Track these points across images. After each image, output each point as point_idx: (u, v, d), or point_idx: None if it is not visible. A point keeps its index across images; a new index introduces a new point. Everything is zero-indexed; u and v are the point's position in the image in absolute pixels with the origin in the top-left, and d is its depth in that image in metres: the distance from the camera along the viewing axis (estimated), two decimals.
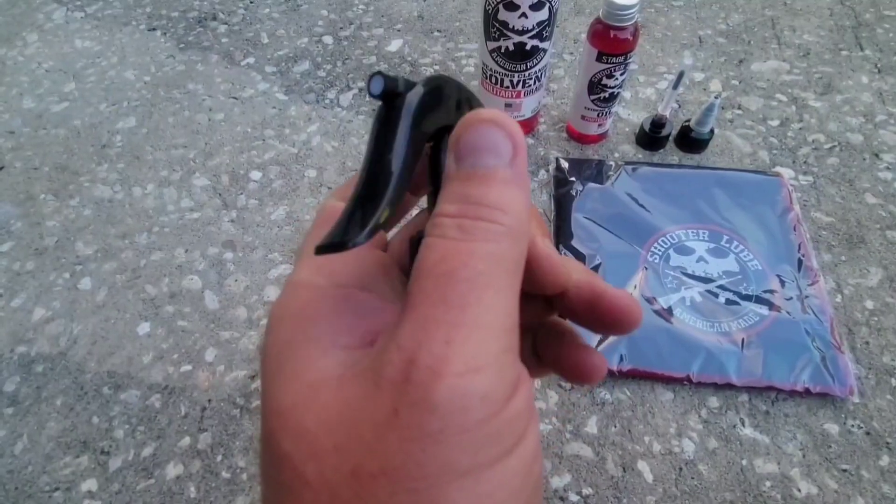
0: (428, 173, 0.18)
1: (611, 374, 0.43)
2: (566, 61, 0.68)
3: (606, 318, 0.17)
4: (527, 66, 0.51)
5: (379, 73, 0.15)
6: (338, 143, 0.61)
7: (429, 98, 0.16)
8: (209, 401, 0.43)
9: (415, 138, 0.16)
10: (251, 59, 0.70)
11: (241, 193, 0.57)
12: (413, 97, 0.16)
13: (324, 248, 0.14)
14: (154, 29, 0.76)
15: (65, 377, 0.45)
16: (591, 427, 0.41)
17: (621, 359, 0.43)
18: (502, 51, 0.50)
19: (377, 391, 0.13)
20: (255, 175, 0.58)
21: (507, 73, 0.52)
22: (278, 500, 0.14)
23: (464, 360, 0.13)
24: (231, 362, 0.45)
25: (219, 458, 0.41)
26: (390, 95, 0.15)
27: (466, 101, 0.18)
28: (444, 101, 0.17)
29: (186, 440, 0.42)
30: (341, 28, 0.74)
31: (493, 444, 0.13)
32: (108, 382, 0.45)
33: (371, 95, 0.15)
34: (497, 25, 0.48)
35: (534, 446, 0.14)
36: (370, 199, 0.15)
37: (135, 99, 0.67)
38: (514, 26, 0.47)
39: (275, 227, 0.54)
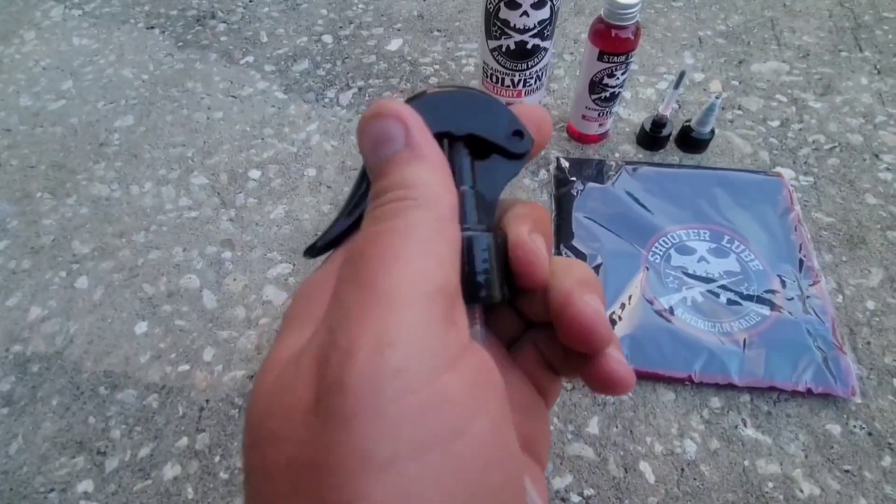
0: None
1: None
2: (566, 61, 0.68)
3: (568, 332, 0.16)
4: (528, 65, 0.51)
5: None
6: (337, 142, 0.60)
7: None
8: (207, 401, 0.43)
9: None
10: (250, 58, 0.70)
11: (240, 192, 0.56)
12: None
13: (305, 252, 0.17)
14: (152, 27, 0.75)
15: (61, 377, 0.45)
16: (593, 427, 0.41)
17: None
18: (503, 49, 0.50)
19: (302, 375, 0.13)
20: (254, 174, 0.58)
21: (507, 72, 0.52)
22: (246, 470, 0.14)
23: (374, 335, 0.12)
24: (229, 362, 0.45)
25: (217, 458, 0.40)
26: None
27: (467, 100, 0.19)
28: (436, 116, 0.17)
29: (184, 440, 0.41)
30: (341, 27, 0.74)
31: (418, 428, 0.11)
32: (105, 382, 0.44)
33: None
34: (498, 24, 0.48)
35: (484, 444, 0.12)
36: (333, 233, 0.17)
37: (133, 97, 0.66)
38: (515, 25, 0.47)
39: (274, 227, 0.53)
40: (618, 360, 0.17)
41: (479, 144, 0.19)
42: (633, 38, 0.48)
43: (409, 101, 0.18)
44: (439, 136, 0.18)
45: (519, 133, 0.19)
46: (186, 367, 0.45)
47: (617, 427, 0.41)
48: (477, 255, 0.16)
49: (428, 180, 0.15)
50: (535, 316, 0.19)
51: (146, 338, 0.46)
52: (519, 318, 0.20)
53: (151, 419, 0.42)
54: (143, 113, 0.64)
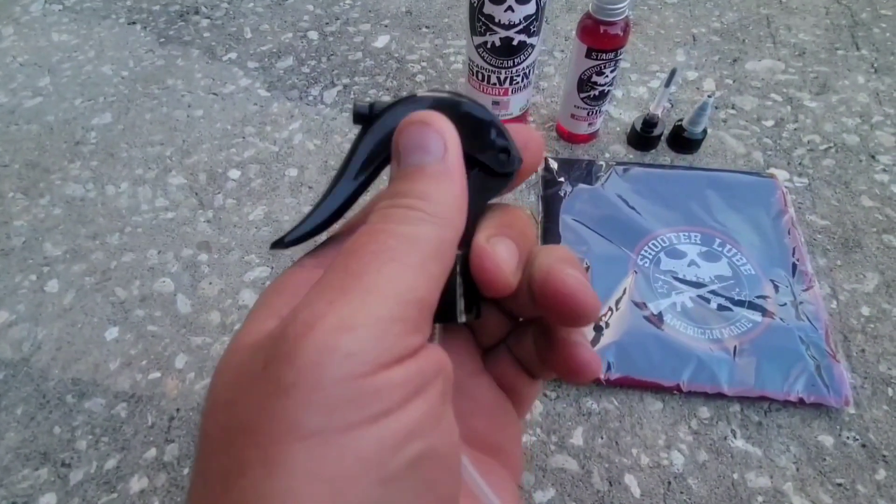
0: None
1: (598, 382, 0.41)
2: (556, 59, 0.66)
3: (553, 306, 0.17)
4: (514, 62, 0.49)
5: (356, 103, 0.17)
6: (320, 141, 0.59)
7: (388, 122, 0.17)
8: (178, 410, 0.41)
9: (365, 158, 0.17)
10: (233, 55, 0.68)
11: (219, 193, 0.55)
12: (377, 122, 0.17)
13: (272, 245, 0.17)
14: (134, 23, 0.73)
15: (27, 384, 0.43)
16: (577, 439, 0.39)
17: (609, 367, 0.41)
18: (488, 46, 0.48)
19: (262, 348, 0.13)
20: (234, 174, 0.56)
21: (493, 69, 0.50)
22: (199, 439, 0.14)
23: (339, 317, 0.12)
24: (202, 369, 0.43)
25: (185, 470, 0.39)
26: (361, 118, 0.17)
27: (452, 107, 0.18)
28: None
29: (152, 452, 0.40)
30: (327, 23, 0.72)
31: (352, 408, 0.12)
32: (73, 390, 0.43)
33: (354, 122, 0.18)
34: (483, 19, 0.46)
35: (410, 425, 0.13)
36: (305, 227, 0.18)
37: (111, 94, 0.64)
38: (500, 20, 0.46)
39: (252, 228, 0.52)
40: (583, 344, 0.18)
41: (465, 156, 0.18)
42: (622, 34, 0.47)
43: (385, 108, 0.17)
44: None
45: (506, 151, 0.18)
46: (157, 374, 0.43)
47: (602, 438, 0.39)
48: (452, 279, 0.16)
49: (448, 201, 0.16)
50: (520, 310, 0.20)
51: (117, 344, 0.45)
52: (504, 316, 0.21)
53: (119, 429, 0.41)
54: (122, 111, 0.63)
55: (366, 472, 0.12)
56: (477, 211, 0.18)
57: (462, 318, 0.17)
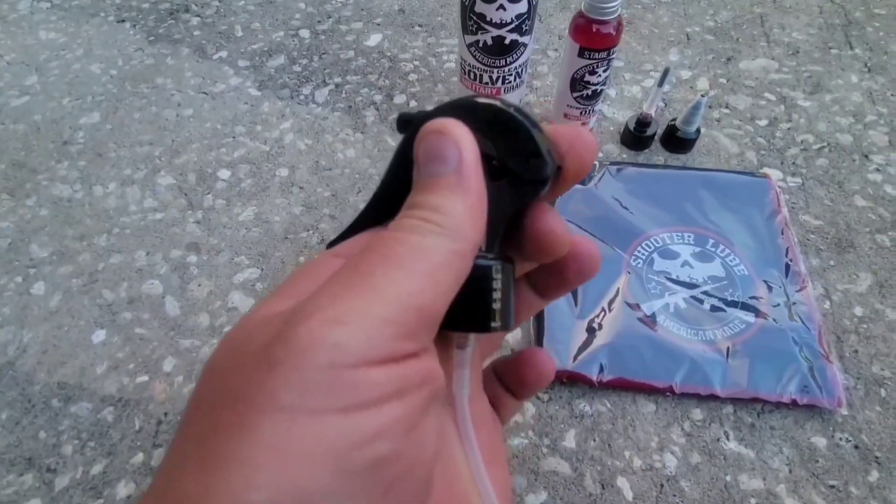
0: None
1: (590, 385, 0.41)
2: (550, 58, 0.66)
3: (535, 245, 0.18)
4: (506, 61, 0.49)
5: (401, 114, 0.18)
6: (311, 140, 0.58)
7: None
8: (165, 414, 0.41)
9: (395, 171, 0.18)
10: (224, 53, 0.68)
11: (208, 193, 0.54)
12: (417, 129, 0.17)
13: (328, 245, 0.19)
14: (123, 20, 0.73)
15: (11, 388, 0.42)
16: (569, 441, 0.39)
17: (601, 369, 0.41)
18: (480, 45, 0.48)
19: (266, 329, 0.14)
20: (224, 174, 0.56)
21: (485, 68, 0.49)
22: (186, 411, 0.15)
23: (336, 311, 0.13)
24: (191, 373, 0.43)
25: None
26: (405, 126, 0.18)
27: (492, 116, 0.17)
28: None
29: (139, 457, 0.39)
30: (319, 22, 0.72)
31: (327, 395, 0.13)
32: (58, 394, 0.42)
33: (398, 130, 0.18)
34: (474, 18, 0.46)
35: (380, 425, 0.13)
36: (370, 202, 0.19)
37: (99, 93, 0.64)
38: (491, 19, 0.45)
39: (242, 229, 0.51)
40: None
41: (493, 164, 0.18)
42: (614, 33, 0.46)
43: (426, 115, 0.17)
44: None
45: (536, 155, 0.17)
46: (145, 377, 0.43)
47: (594, 440, 0.39)
48: (485, 286, 0.17)
49: (459, 213, 0.16)
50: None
51: (104, 347, 0.44)
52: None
53: (106, 434, 0.40)
54: (110, 110, 0.62)
55: (324, 459, 0.13)
56: (509, 217, 0.18)
57: (496, 327, 0.17)
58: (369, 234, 0.17)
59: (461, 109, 0.17)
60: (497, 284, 0.17)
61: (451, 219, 0.16)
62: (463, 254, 0.16)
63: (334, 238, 0.19)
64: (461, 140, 0.16)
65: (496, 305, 0.17)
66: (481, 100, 0.17)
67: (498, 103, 0.17)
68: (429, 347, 0.15)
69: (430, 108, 0.18)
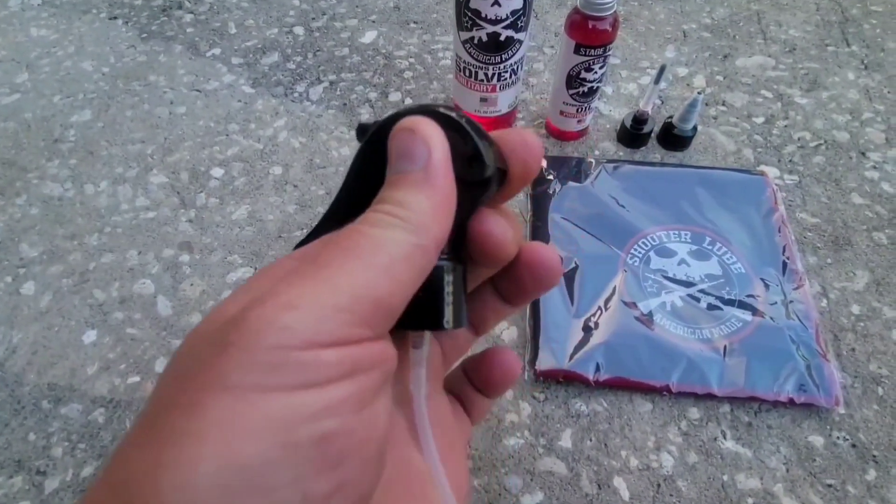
0: None
1: (587, 384, 0.40)
2: (546, 55, 0.66)
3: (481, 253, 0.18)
4: (501, 58, 0.48)
5: (360, 123, 0.19)
6: (305, 138, 0.58)
7: (382, 136, 0.18)
8: None
9: (360, 169, 0.19)
10: (217, 50, 0.67)
11: (201, 191, 0.53)
12: (372, 136, 0.18)
13: (295, 247, 0.19)
14: (115, 17, 0.72)
15: (1, 390, 0.42)
16: (566, 441, 0.39)
17: (598, 368, 0.40)
18: (475, 42, 0.47)
19: (224, 316, 0.15)
20: (217, 172, 0.55)
21: (481, 65, 0.49)
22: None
23: (288, 297, 0.14)
24: None
25: None
26: (363, 133, 0.19)
27: (443, 125, 0.18)
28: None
29: None
30: (313, 18, 0.71)
31: (273, 373, 0.13)
32: (48, 396, 0.41)
33: (357, 138, 0.19)
34: (469, 14, 0.45)
35: (327, 402, 0.14)
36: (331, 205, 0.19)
37: (91, 91, 0.63)
38: (486, 15, 0.45)
39: (235, 228, 0.51)
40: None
41: None
42: (610, 30, 0.46)
43: (381, 124, 0.18)
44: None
45: (477, 158, 0.18)
46: (137, 378, 0.42)
47: (591, 440, 0.39)
48: (438, 285, 0.17)
49: (424, 209, 0.16)
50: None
51: (95, 347, 0.44)
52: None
53: (97, 435, 0.40)
54: (102, 108, 0.61)
55: (270, 433, 0.13)
56: (462, 220, 0.18)
57: (448, 326, 0.18)
58: (333, 233, 0.17)
59: (406, 115, 0.18)
60: (449, 285, 0.17)
61: (416, 214, 0.16)
62: (425, 249, 0.16)
63: (300, 241, 0.19)
64: (431, 138, 0.16)
65: (448, 304, 0.17)
66: (430, 107, 0.18)
67: (444, 111, 0.18)
68: (384, 335, 0.16)
69: (386, 115, 0.18)
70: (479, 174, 0.18)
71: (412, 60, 0.65)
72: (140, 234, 0.50)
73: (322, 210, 0.52)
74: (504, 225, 0.18)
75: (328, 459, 0.14)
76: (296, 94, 0.62)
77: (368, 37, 0.68)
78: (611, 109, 0.60)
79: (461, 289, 0.18)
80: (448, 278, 0.18)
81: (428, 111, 0.18)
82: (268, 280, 0.16)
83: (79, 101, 0.62)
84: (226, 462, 0.13)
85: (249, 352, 0.13)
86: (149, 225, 0.51)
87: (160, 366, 0.43)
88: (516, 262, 0.20)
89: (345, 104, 0.61)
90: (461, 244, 0.19)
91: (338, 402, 0.14)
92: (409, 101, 0.61)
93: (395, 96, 0.61)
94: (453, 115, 0.18)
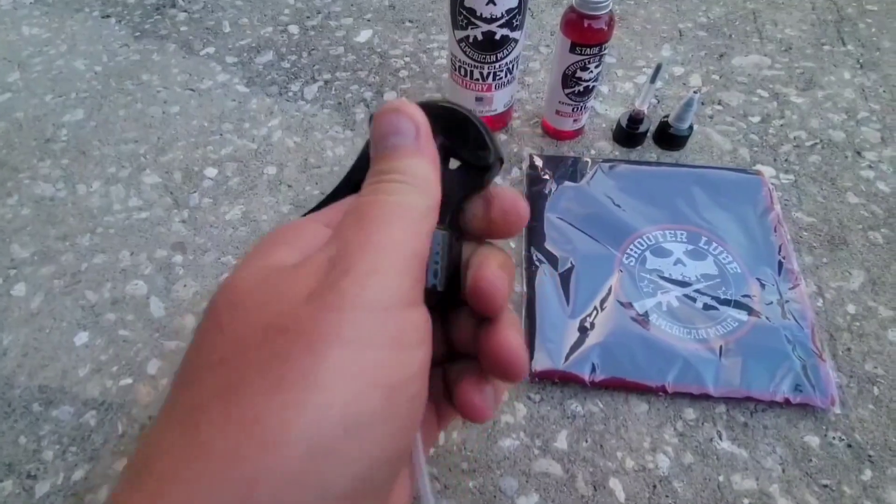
0: None
1: (582, 385, 0.40)
2: (542, 54, 0.65)
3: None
4: (497, 56, 0.48)
5: (371, 113, 0.24)
6: (300, 138, 0.57)
7: None
8: (150, 417, 0.40)
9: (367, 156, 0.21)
10: (211, 49, 0.67)
11: (195, 192, 0.53)
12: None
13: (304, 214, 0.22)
14: (108, 16, 0.71)
15: None
16: (561, 442, 0.39)
17: (593, 369, 0.40)
18: (470, 40, 0.47)
19: (304, 278, 0.17)
20: (211, 172, 0.55)
21: (476, 64, 0.49)
22: (192, 345, 0.17)
23: (368, 264, 0.17)
24: (176, 375, 0.42)
25: None
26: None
27: (444, 111, 0.21)
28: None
29: (123, 462, 0.38)
30: (308, 17, 0.71)
31: (378, 332, 0.16)
32: (39, 398, 0.41)
33: (369, 125, 0.22)
34: (464, 13, 0.45)
35: (420, 366, 0.17)
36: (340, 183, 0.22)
37: (84, 90, 0.62)
38: (481, 14, 0.44)
39: (229, 228, 0.50)
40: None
41: (449, 153, 0.22)
42: (606, 28, 0.46)
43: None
44: None
45: (483, 147, 0.21)
46: (129, 380, 0.42)
47: (586, 441, 0.39)
48: (433, 249, 0.20)
49: (425, 174, 0.19)
50: (460, 342, 0.23)
51: (86, 349, 0.43)
52: (445, 343, 0.23)
53: (88, 438, 0.39)
54: (94, 107, 0.61)
55: (380, 389, 0.16)
56: (462, 198, 0.22)
57: (440, 287, 0.20)
58: (350, 199, 0.20)
59: (424, 108, 0.20)
60: (439, 248, 0.20)
61: (419, 179, 0.19)
62: (432, 209, 0.19)
63: (311, 209, 0.22)
64: (415, 115, 0.19)
65: (438, 266, 0.20)
66: (441, 102, 0.21)
67: (455, 106, 0.21)
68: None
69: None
70: (484, 160, 0.21)
71: (407, 59, 0.65)
72: (133, 234, 0.50)
73: None
74: (504, 280, 0.20)
75: (412, 419, 0.17)
76: (290, 94, 0.61)
77: (363, 36, 0.68)
78: (607, 109, 0.59)
79: (451, 255, 0.20)
80: (442, 242, 0.20)
81: (441, 105, 0.21)
82: (289, 246, 0.18)
83: (71, 100, 0.61)
84: (348, 411, 0.15)
85: (356, 311, 0.16)
86: (141, 225, 0.51)
87: (152, 367, 0.42)
88: (483, 354, 0.21)
89: (339, 103, 0.60)
90: (458, 219, 0.22)
91: (421, 366, 0.17)
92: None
93: (390, 95, 0.61)
94: (462, 109, 0.21)
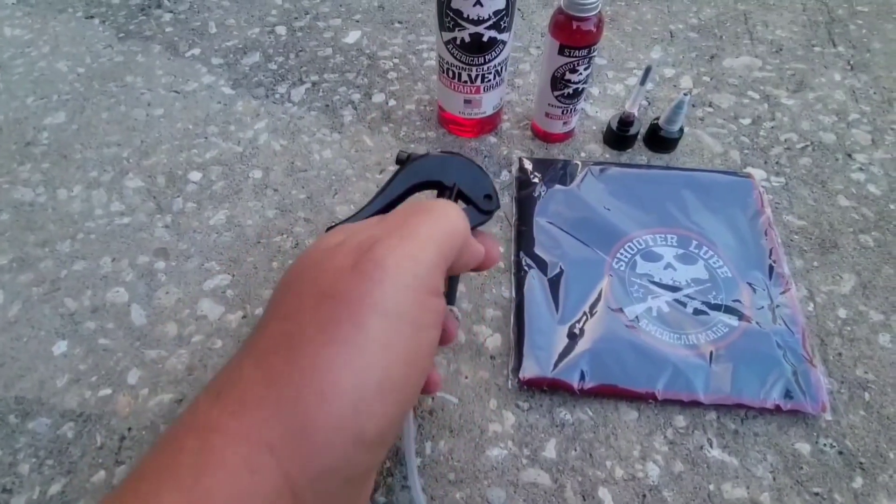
0: None
1: (572, 392, 0.40)
2: (532, 55, 0.65)
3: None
4: (485, 59, 0.47)
5: (400, 151, 0.31)
6: (287, 141, 0.56)
7: (419, 165, 0.30)
8: (129, 429, 0.39)
9: (397, 189, 0.30)
10: (196, 50, 0.66)
11: (178, 196, 0.52)
12: (410, 164, 0.30)
13: (327, 228, 0.27)
14: (92, 16, 0.70)
15: None
16: (550, 451, 0.38)
17: (583, 375, 0.40)
18: (458, 42, 0.46)
19: (346, 253, 0.21)
20: (195, 176, 0.54)
21: (464, 66, 0.48)
22: (269, 302, 0.23)
23: (409, 250, 0.21)
24: (156, 385, 0.41)
25: None
26: (401, 161, 0.31)
27: (461, 164, 0.30)
28: (429, 167, 0.30)
29: (101, 475, 0.37)
30: (296, 18, 0.70)
31: (410, 310, 0.21)
32: (16, 410, 0.40)
33: (396, 163, 0.31)
34: (451, 14, 0.44)
35: (431, 345, 0.23)
36: (367, 205, 0.29)
37: (66, 92, 0.61)
38: (468, 15, 0.44)
39: (213, 234, 0.49)
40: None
41: (462, 195, 0.30)
42: (595, 30, 0.45)
43: (418, 157, 0.30)
44: (437, 183, 0.30)
45: (489, 197, 0.30)
46: (108, 391, 0.41)
47: (576, 450, 0.38)
48: None
49: (465, 220, 0.26)
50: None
51: (65, 359, 0.42)
52: None
53: (65, 451, 0.38)
54: (77, 109, 0.60)
55: (407, 359, 0.20)
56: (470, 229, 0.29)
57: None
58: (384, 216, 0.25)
59: (448, 159, 0.30)
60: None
61: (462, 217, 0.25)
62: (467, 234, 0.25)
63: (340, 221, 0.28)
64: (496, 253, 0.29)
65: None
66: (463, 156, 0.31)
67: (473, 162, 0.31)
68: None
69: (423, 151, 0.31)
70: (492, 206, 0.30)
71: (396, 61, 0.64)
72: (114, 240, 0.49)
73: (303, 215, 0.50)
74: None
75: (418, 389, 0.22)
76: (277, 96, 0.61)
77: (352, 37, 0.67)
78: (597, 111, 0.59)
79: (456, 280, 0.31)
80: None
81: (463, 158, 0.30)
82: (346, 229, 0.24)
83: (53, 102, 0.60)
84: (383, 376, 0.19)
85: (394, 288, 0.20)
86: (123, 231, 0.50)
87: (133, 378, 0.41)
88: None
89: (327, 105, 0.60)
90: None
91: (431, 346, 0.22)
92: (392, 103, 0.60)
93: (378, 97, 0.60)
94: (476, 164, 0.30)
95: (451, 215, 0.23)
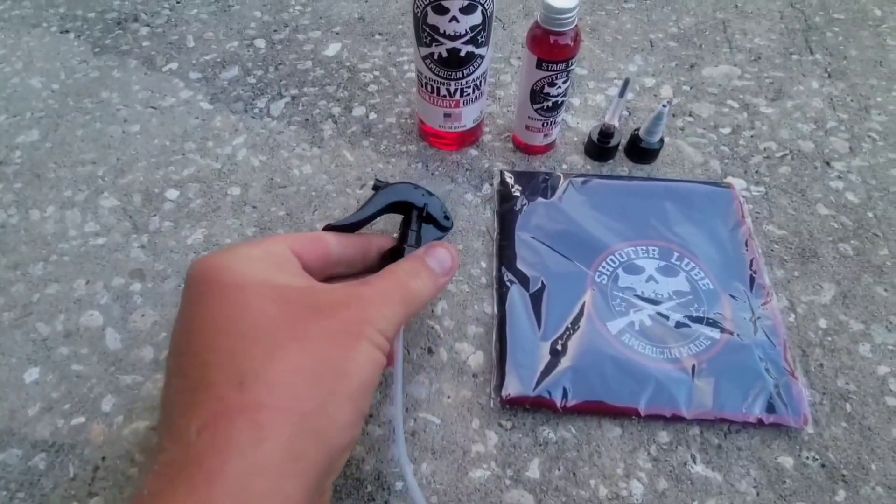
0: (399, 231, 0.39)
1: (554, 410, 0.39)
2: (514, 66, 0.65)
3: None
4: (463, 73, 0.47)
5: (376, 179, 0.39)
6: (266, 156, 0.56)
7: (394, 188, 0.39)
8: (103, 458, 0.38)
9: (379, 203, 0.38)
10: (174, 65, 0.65)
11: (155, 215, 0.51)
12: (387, 187, 0.39)
13: (325, 227, 0.37)
14: (67, 31, 0.69)
15: None
16: (533, 471, 0.38)
17: (565, 393, 0.39)
18: (435, 57, 0.46)
19: (319, 305, 0.28)
20: (172, 194, 0.53)
21: (442, 81, 0.48)
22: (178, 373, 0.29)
23: (376, 307, 0.29)
24: (131, 412, 0.40)
25: None
26: (377, 188, 0.38)
27: (425, 192, 0.40)
28: (405, 191, 0.39)
29: None
30: (275, 31, 0.69)
31: (382, 345, 0.28)
32: None
33: (372, 189, 0.39)
34: (427, 30, 0.44)
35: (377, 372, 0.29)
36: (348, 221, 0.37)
37: (39, 109, 0.60)
38: (444, 31, 0.43)
39: (191, 253, 0.48)
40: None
41: (424, 215, 0.39)
42: (572, 44, 0.45)
43: (392, 183, 0.39)
44: (407, 203, 0.39)
45: (448, 218, 0.41)
46: (81, 419, 0.40)
47: (559, 469, 0.38)
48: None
49: (435, 285, 0.35)
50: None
51: (37, 386, 0.41)
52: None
53: (37, 483, 0.37)
54: (51, 127, 0.58)
55: (377, 375, 0.28)
56: (424, 243, 0.38)
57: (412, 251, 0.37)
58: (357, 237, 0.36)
59: (416, 186, 0.39)
60: (416, 227, 0.39)
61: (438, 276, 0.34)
62: (419, 302, 0.33)
63: (334, 224, 0.37)
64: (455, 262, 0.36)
65: (415, 234, 0.39)
66: (427, 191, 0.40)
67: (435, 195, 0.40)
68: None
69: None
70: (448, 226, 0.41)
71: (377, 73, 0.64)
72: (88, 261, 0.48)
73: (283, 232, 0.50)
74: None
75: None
76: (256, 110, 0.60)
77: (332, 49, 0.67)
78: (578, 122, 0.59)
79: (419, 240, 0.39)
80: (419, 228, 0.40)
81: (428, 191, 0.40)
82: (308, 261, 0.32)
83: (26, 120, 0.59)
84: (372, 376, 0.27)
85: (371, 325, 0.27)
86: (98, 252, 0.49)
87: (107, 404, 0.40)
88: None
89: (307, 120, 0.59)
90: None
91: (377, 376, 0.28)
92: (373, 116, 0.59)
93: (359, 111, 0.60)
94: (437, 197, 0.40)
95: (412, 286, 0.32)
